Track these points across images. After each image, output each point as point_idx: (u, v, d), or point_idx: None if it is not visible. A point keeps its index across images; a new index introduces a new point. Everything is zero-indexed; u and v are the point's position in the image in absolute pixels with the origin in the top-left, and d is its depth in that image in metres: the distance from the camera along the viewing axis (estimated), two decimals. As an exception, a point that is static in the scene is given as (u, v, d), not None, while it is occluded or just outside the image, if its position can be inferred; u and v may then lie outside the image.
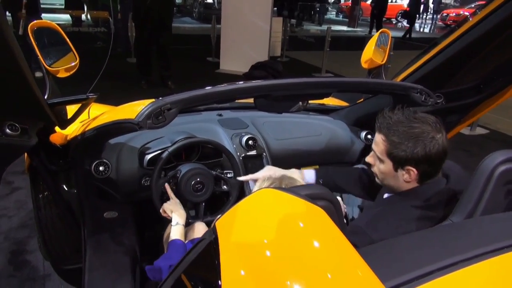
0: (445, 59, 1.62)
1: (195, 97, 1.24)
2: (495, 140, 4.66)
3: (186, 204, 1.54)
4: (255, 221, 0.73)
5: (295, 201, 0.73)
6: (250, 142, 1.76)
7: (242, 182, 1.62)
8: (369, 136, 1.99)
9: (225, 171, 1.70)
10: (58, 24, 1.55)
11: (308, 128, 1.99)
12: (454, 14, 17.03)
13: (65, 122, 1.46)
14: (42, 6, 6.07)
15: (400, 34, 13.18)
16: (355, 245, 0.66)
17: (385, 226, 1.07)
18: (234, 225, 0.75)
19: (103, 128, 1.42)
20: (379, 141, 1.14)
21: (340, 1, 23.11)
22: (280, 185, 1.17)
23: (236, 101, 2.01)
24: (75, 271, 1.54)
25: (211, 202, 1.67)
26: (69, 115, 1.50)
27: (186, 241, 1.40)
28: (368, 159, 1.22)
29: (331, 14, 21.45)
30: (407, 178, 1.11)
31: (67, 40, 1.53)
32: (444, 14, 17.86)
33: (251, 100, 1.45)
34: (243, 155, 1.76)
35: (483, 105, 1.84)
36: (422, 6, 16.32)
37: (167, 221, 1.48)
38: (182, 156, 1.64)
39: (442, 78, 1.75)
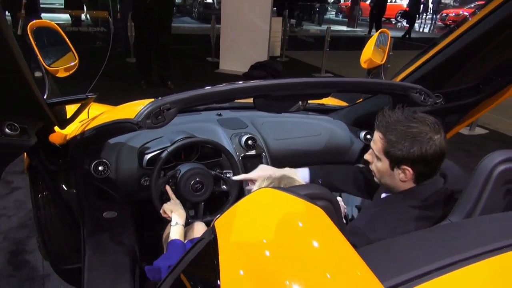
0: (444, 59, 1.62)
1: (195, 97, 1.24)
2: (494, 140, 4.66)
3: (185, 204, 1.54)
4: (254, 221, 0.73)
5: (295, 201, 0.73)
6: (249, 142, 1.76)
7: (241, 182, 1.62)
8: (368, 136, 1.99)
9: (224, 171, 1.70)
10: (57, 24, 1.55)
11: (308, 128, 1.99)
12: (453, 14, 17.03)
13: (64, 122, 1.46)
14: (41, 5, 6.06)
15: (399, 34, 13.18)
16: (354, 246, 0.66)
17: (383, 226, 1.07)
18: (233, 225, 0.75)
19: (102, 128, 1.42)
20: (377, 139, 1.14)
21: (339, 1, 23.08)
22: (279, 184, 1.17)
23: (236, 101, 2.02)
24: (75, 271, 1.54)
25: (211, 202, 1.67)
26: (69, 115, 1.49)
27: (186, 241, 1.40)
28: (367, 156, 1.23)
29: (331, 14, 21.42)
30: (402, 177, 1.11)
31: (67, 39, 1.53)
32: (444, 14, 17.85)
33: (250, 100, 1.45)
34: (243, 155, 1.77)
35: (482, 105, 1.84)
36: (421, 6, 16.30)
37: (166, 221, 1.48)
38: (181, 156, 1.64)
39: (441, 78, 1.75)
